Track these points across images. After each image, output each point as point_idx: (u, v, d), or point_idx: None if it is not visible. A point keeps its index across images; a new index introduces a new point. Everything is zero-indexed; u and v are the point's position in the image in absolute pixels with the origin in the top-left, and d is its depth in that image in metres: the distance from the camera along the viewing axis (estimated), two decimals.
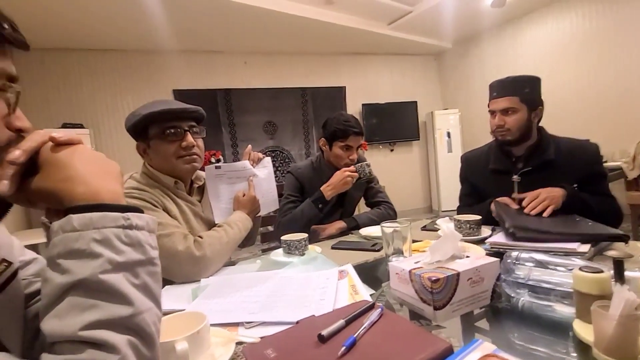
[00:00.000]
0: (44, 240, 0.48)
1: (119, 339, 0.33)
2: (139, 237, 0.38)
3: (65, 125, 3.55)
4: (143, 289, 0.37)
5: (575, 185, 1.16)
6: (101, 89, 3.88)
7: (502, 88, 1.27)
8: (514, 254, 0.68)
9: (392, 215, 1.53)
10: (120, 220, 0.37)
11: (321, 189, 1.38)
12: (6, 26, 0.39)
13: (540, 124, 1.29)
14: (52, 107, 3.64)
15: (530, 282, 0.62)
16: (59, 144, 0.40)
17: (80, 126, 3.64)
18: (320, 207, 1.36)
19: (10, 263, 0.47)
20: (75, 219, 0.36)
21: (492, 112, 1.29)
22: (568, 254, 0.76)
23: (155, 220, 0.42)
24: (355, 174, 1.38)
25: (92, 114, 3.84)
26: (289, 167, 1.61)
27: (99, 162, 0.42)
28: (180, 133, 0.99)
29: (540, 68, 3.86)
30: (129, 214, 0.38)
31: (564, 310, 0.58)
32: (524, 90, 1.24)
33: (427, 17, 3.91)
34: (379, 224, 1.15)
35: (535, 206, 1.06)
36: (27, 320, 0.50)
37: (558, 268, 0.62)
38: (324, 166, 1.54)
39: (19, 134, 0.42)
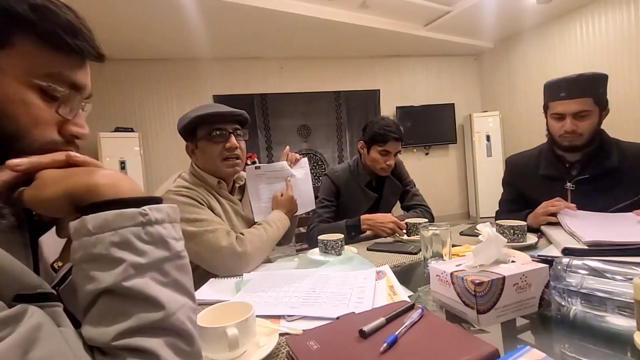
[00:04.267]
0: None
1: (155, 343, 0.32)
2: (160, 233, 0.35)
3: (117, 129, 3.86)
4: (173, 285, 0.35)
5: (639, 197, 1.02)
6: (149, 96, 4.16)
7: (573, 87, 1.08)
8: (565, 260, 0.64)
9: (429, 219, 1.50)
10: (138, 218, 0.34)
11: (361, 217, 1.32)
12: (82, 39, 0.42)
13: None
14: (106, 113, 3.96)
15: (583, 291, 0.59)
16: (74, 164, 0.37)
17: (131, 130, 3.94)
18: (352, 235, 1.32)
19: None
20: (90, 220, 0.32)
21: (559, 115, 1.12)
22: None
23: (176, 208, 0.39)
24: (401, 230, 1.25)
25: (140, 118, 4.14)
26: (326, 170, 1.62)
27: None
28: (225, 135, 1.05)
29: (593, 67, 3.57)
30: (147, 208, 0.35)
31: (622, 321, 0.55)
32: (598, 90, 1.08)
33: (467, 16, 3.79)
34: None
35: None
36: None
37: (616, 277, 0.58)
38: (360, 169, 1.54)
39: (74, 140, 0.42)
